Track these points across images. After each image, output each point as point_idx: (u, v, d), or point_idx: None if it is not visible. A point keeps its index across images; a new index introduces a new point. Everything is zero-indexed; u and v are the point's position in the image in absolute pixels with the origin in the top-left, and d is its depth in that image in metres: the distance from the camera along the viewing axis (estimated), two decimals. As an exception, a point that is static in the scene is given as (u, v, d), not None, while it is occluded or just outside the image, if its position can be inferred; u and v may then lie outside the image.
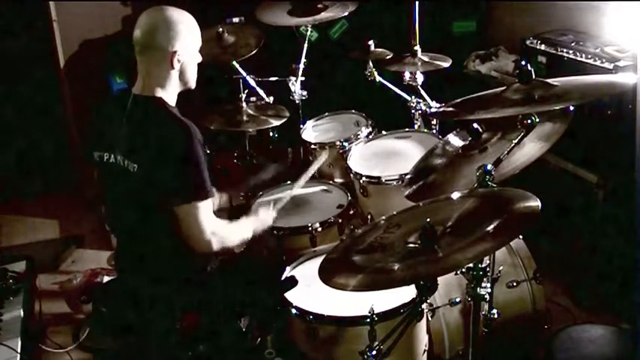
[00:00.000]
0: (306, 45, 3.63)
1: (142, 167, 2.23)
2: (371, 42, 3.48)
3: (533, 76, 2.11)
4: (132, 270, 2.44)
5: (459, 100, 2.36)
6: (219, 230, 2.30)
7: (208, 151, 3.30)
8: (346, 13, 3.61)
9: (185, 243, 2.26)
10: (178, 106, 2.37)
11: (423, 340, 2.41)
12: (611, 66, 3.03)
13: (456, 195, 2.05)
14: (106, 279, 3.49)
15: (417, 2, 3.38)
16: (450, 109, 2.41)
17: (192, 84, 2.39)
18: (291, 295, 2.43)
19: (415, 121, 3.50)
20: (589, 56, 3.16)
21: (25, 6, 4.45)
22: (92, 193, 4.48)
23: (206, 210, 2.24)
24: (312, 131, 3.61)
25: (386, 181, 2.99)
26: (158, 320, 2.34)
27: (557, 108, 2.11)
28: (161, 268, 2.34)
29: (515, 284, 2.48)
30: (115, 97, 2.47)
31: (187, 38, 2.30)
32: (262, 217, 2.62)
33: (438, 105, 3.37)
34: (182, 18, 2.30)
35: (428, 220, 1.82)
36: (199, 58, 2.39)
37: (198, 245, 2.25)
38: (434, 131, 3.39)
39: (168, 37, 2.25)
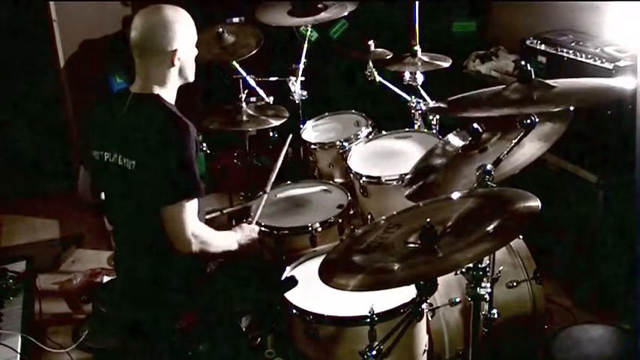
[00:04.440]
0: (306, 45, 3.63)
1: (139, 164, 2.24)
2: (371, 42, 3.49)
3: (533, 76, 2.11)
4: (131, 270, 2.44)
5: (455, 97, 2.36)
6: (201, 233, 2.30)
7: (208, 151, 3.32)
8: (346, 13, 3.61)
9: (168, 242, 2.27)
10: (178, 105, 2.38)
11: (423, 340, 2.40)
12: (611, 66, 3.03)
13: (456, 195, 2.05)
14: (106, 279, 3.48)
15: (417, 2, 3.38)
16: (444, 105, 2.41)
17: (191, 78, 2.41)
18: (291, 295, 2.43)
19: (415, 121, 3.50)
20: (589, 56, 3.16)
21: (25, 6, 4.45)
22: (91, 194, 4.48)
23: (190, 210, 2.25)
24: (312, 131, 3.61)
25: (386, 181, 2.99)
26: (158, 320, 2.34)
27: (554, 110, 2.12)
28: (159, 268, 2.34)
29: (515, 284, 2.48)
30: (114, 97, 2.47)
31: (184, 35, 2.31)
32: (245, 232, 2.61)
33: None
34: (177, 16, 2.30)
35: (428, 220, 1.82)
36: (196, 51, 2.40)
37: (178, 244, 2.26)
38: (434, 131, 3.39)
39: (167, 37, 2.26)
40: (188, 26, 2.34)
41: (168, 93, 2.34)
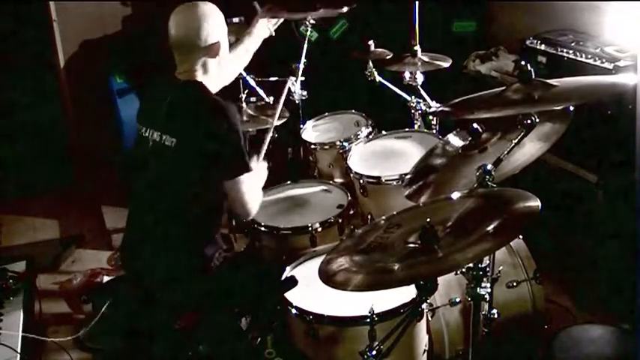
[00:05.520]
0: (306, 45, 3.63)
1: (179, 142, 2.34)
2: (371, 42, 3.48)
3: (533, 76, 2.11)
4: (141, 254, 2.45)
5: (457, 100, 2.36)
6: (258, 197, 2.50)
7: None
8: (345, 10, 3.60)
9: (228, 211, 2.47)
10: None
11: (423, 340, 2.41)
12: (611, 66, 3.03)
13: (456, 195, 2.05)
14: (106, 279, 3.49)
15: (417, 2, 3.38)
16: (448, 108, 2.41)
17: (226, 63, 2.55)
18: (291, 295, 2.43)
19: (415, 121, 3.50)
20: (589, 56, 3.16)
21: (25, 6, 4.45)
22: (91, 194, 4.48)
23: (248, 182, 2.39)
24: (312, 131, 3.61)
25: (386, 181, 2.99)
26: (158, 320, 2.34)
27: (557, 108, 2.11)
28: (170, 254, 2.36)
29: (515, 284, 2.48)
30: (162, 80, 2.58)
31: (221, 26, 2.45)
32: (260, 171, 2.69)
33: (438, 105, 3.38)
34: (211, 10, 2.44)
35: (428, 220, 1.82)
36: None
37: (241, 212, 2.46)
38: (434, 131, 3.39)
39: (208, 32, 2.40)
40: (221, 18, 2.46)
41: (211, 82, 2.46)
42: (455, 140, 2.51)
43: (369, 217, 3.07)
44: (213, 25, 2.41)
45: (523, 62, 2.13)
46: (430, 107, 3.40)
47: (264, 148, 2.85)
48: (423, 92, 3.43)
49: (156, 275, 2.37)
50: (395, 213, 2.12)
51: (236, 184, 2.37)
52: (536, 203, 1.80)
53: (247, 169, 2.38)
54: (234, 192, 2.39)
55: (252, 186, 2.45)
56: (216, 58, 2.44)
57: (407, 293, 2.29)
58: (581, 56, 3.19)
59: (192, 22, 2.39)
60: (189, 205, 2.37)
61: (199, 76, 2.44)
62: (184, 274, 2.36)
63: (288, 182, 3.25)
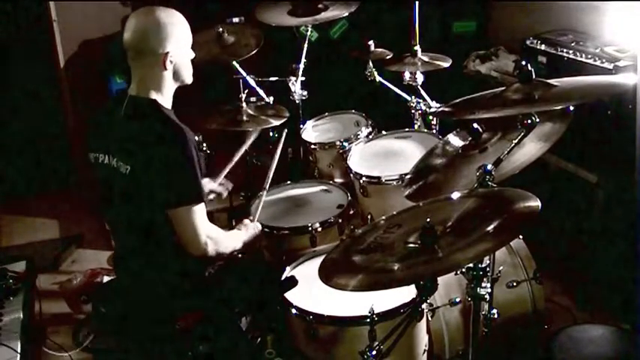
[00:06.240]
0: (306, 45, 3.63)
1: (134, 169, 2.22)
2: (371, 42, 3.48)
3: (533, 76, 2.11)
4: (130, 270, 2.43)
5: (458, 100, 2.36)
6: (214, 235, 2.31)
7: (208, 151, 3.33)
8: (346, 13, 3.61)
9: (181, 246, 2.26)
10: (177, 106, 2.37)
11: (423, 340, 2.41)
12: (611, 66, 3.03)
13: (456, 195, 2.05)
14: (106, 279, 3.48)
15: (417, 2, 3.38)
16: (448, 108, 2.41)
17: (188, 80, 2.38)
18: (291, 295, 2.43)
19: (415, 121, 3.50)
20: (589, 56, 3.16)
21: (25, 6, 4.45)
22: (91, 194, 4.48)
23: (200, 213, 2.24)
24: (312, 131, 3.61)
25: (386, 181, 2.99)
26: (158, 320, 2.34)
27: (558, 108, 2.12)
28: (158, 269, 2.34)
29: (515, 284, 2.48)
30: (114, 99, 2.46)
31: (178, 38, 2.28)
32: (250, 230, 2.60)
33: (438, 105, 3.38)
34: (171, 18, 2.28)
35: (428, 220, 1.82)
36: (192, 55, 2.37)
37: (193, 249, 2.26)
38: (434, 131, 3.39)
39: (159, 39, 2.23)
40: (181, 28, 2.30)
41: (164, 98, 2.32)
42: (455, 140, 2.51)
43: (369, 217, 3.07)
44: (169, 33, 2.23)
45: (523, 62, 2.13)
46: (430, 107, 3.40)
47: (259, 208, 2.79)
48: (423, 92, 3.44)
49: (148, 288, 2.36)
50: (395, 213, 2.12)
51: (180, 213, 2.20)
52: (536, 203, 1.81)
53: (194, 200, 2.21)
54: (178, 223, 2.22)
55: (206, 222, 2.26)
56: (167, 70, 2.26)
57: (407, 293, 2.29)
58: (581, 56, 3.19)
59: (145, 26, 2.24)
60: (161, 226, 2.25)
61: (152, 92, 2.27)
62: (180, 281, 2.35)
63: (288, 182, 3.25)
